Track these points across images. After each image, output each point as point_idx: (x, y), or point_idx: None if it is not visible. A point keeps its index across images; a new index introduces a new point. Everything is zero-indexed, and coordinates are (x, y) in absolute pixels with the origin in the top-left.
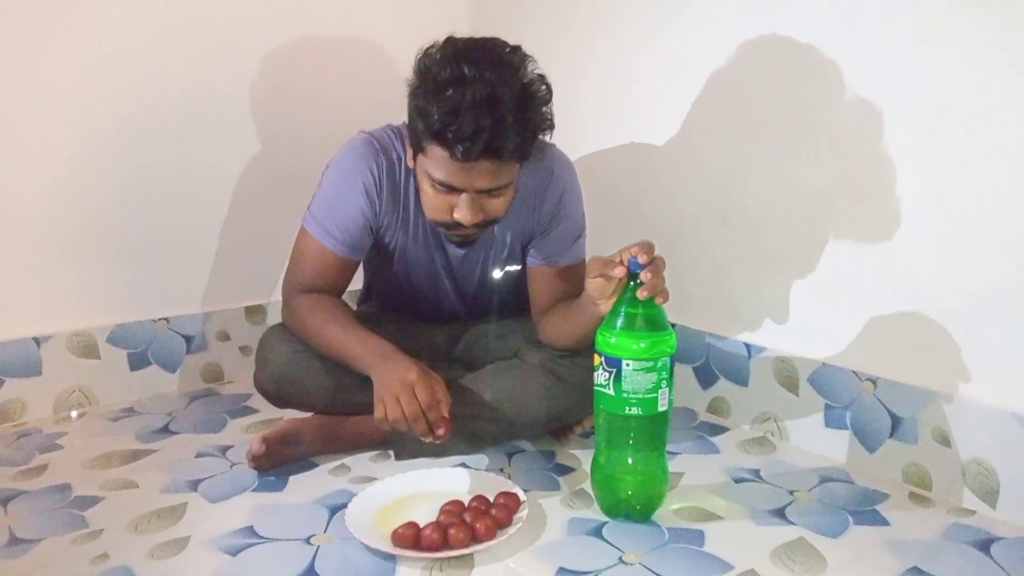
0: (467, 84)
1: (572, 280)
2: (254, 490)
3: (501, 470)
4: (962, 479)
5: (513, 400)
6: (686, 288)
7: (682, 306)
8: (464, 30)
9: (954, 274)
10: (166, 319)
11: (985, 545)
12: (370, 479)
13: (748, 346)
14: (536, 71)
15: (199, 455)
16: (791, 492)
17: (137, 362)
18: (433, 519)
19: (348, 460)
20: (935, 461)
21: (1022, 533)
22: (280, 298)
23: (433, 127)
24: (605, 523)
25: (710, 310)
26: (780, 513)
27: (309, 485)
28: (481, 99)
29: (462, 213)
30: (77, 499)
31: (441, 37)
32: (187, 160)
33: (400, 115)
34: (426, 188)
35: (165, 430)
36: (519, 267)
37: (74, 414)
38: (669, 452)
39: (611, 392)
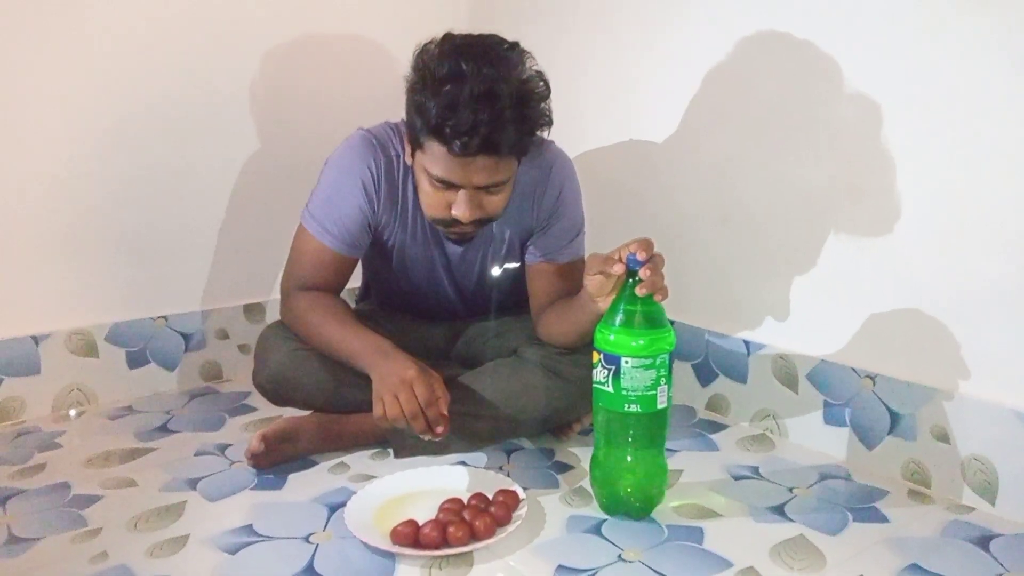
0: (465, 79)
1: (571, 277)
2: (253, 488)
3: (500, 468)
4: (961, 476)
5: (512, 398)
6: (685, 285)
7: (681, 303)
8: (464, 28)
9: (954, 272)
10: (165, 317)
11: (984, 542)
12: (369, 477)
13: (747, 343)
14: (535, 68)
15: (198, 453)
16: (790, 489)
17: (136, 360)
18: (432, 517)
19: (347, 458)
20: (934, 458)
21: (1021, 529)
22: (279, 296)
23: (431, 122)
24: (604, 521)
25: (709, 307)
26: (779, 510)
27: (308, 483)
28: (479, 94)
29: (460, 210)
30: (76, 498)
31: (440, 35)
32: (186, 159)
33: (399, 115)
34: (424, 185)
35: (164, 428)
36: (518, 264)
37: (73, 413)
38: (668, 449)
39: (610, 389)
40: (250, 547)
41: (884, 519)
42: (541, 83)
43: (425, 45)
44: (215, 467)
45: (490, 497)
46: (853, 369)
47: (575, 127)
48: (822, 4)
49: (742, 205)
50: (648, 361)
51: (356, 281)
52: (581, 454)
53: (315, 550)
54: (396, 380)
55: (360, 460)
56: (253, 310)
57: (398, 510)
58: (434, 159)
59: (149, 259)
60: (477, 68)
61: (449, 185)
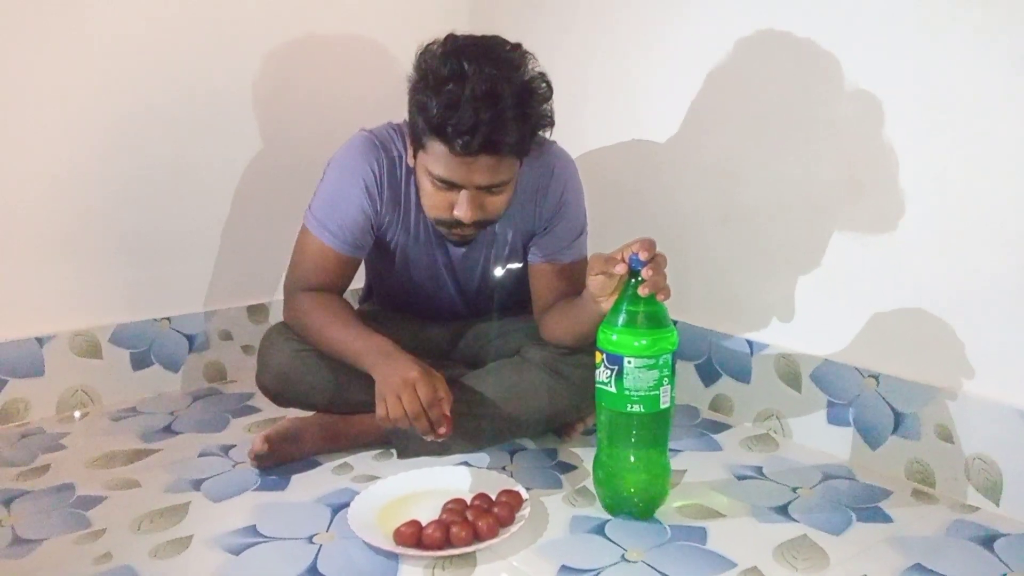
0: (467, 79)
1: (573, 278)
2: (256, 489)
3: (503, 468)
4: (965, 475)
5: (515, 398)
6: (688, 285)
7: (684, 303)
8: (465, 29)
9: (956, 270)
10: (168, 319)
11: (988, 541)
12: (372, 478)
13: (750, 343)
14: (537, 68)
15: (202, 454)
16: (794, 489)
17: (139, 362)
18: (435, 517)
19: (350, 459)
20: (938, 457)
21: None
22: (282, 297)
23: (432, 121)
24: (607, 521)
25: (712, 307)
26: (783, 510)
27: (311, 484)
28: (481, 93)
29: (462, 210)
30: (80, 499)
31: (442, 35)
32: (188, 159)
33: (401, 115)
34: (426, 185)
35: (168, 430)
36: (520, 265)
37: (77, 414)
38: (671, 449)
39: (613, 390)
40: (254, 548)
41: (888, 519)
42: (543, 84)
43: (427, 45)
44: (219, 468)
45: (493, 497)
46: (856, 369)
47: (576, 127)
48: (822, 4)
49: (744, 205)
50: (651, 361)
51: (359, 282)
52: (584, 454)
53: (318, 551)
54: (399, 380)
55: (363, 461)
56: (256, 311)
57: (401, 511)
58: (436, 159)
59: (152, 260)
60: (479, 68)
61: (451, 185)
